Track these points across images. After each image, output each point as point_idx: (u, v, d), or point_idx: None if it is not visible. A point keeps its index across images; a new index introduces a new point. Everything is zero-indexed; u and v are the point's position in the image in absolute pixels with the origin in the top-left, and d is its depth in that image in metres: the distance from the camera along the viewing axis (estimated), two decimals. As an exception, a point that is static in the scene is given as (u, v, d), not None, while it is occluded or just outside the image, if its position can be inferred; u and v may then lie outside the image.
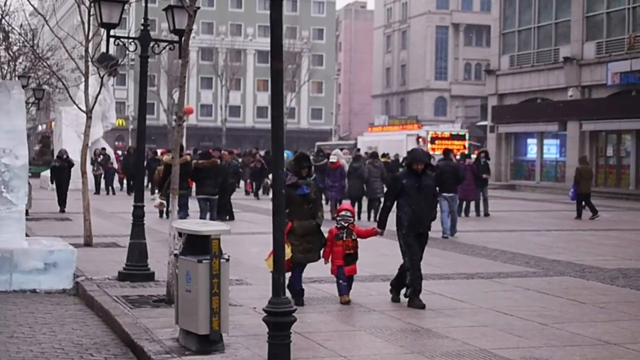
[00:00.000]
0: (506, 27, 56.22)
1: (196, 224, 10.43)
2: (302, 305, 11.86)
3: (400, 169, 24.83)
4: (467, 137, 63.19)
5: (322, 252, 12.49)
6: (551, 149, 52.37)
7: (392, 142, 59.85)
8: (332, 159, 28.26)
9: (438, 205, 13.96)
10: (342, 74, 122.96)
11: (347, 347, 9.87)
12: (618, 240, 21.30)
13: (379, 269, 15.47)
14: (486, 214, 29.37)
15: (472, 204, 29.04)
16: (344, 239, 12.40)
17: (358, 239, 12.60)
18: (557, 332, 10.64)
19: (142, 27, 15.30)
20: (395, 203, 12.58)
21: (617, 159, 46.86)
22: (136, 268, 14.53)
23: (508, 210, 33.38)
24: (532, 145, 53.80)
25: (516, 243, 20.93)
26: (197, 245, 9.50)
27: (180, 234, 9.98)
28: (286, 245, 10.70)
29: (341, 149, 38.06)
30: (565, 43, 50.00)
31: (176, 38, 14.87)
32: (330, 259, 12.54)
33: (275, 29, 8.30)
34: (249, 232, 22.55)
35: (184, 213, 21.96)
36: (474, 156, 35.29)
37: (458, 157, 30.95)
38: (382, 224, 12.53)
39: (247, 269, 15.36)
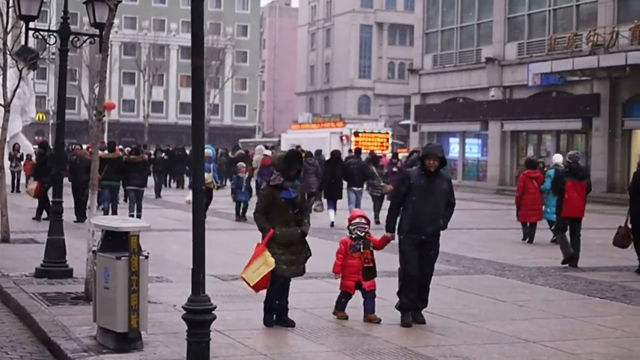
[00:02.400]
0: (429, 27, 56.65)
1: (115, 220, 10.28)
2: (293, 326, 10.68)
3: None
4: (390, 135, 63.51)
5: (304, 264, 10.85)
6: (473, 149, 52.92)
7: (316, 140, 59.87)
8: (266, 153, 27.50)
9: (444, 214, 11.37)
10: (267, 71, 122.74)
11: (269, 345, 9.83)
12: (537, 239, 21.52)
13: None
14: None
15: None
16: (362, 250, 11.03)
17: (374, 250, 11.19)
18: (477, 330, 10.71)
19: (62, 20, 15.03)
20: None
21: (538, 159, 47.45)
22: (54, 264, 14.28)
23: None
24: (454, 144, 54.29)
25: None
26: (116, 242, 9.36)
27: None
28: (267, 255, 10.34)
29: (267, 147, 37.87)
30: (487, 44, 50.57)
31: (97, 32, 14.64)
32: (341, 274, 11.18)
33: (196, 24, 8.17)
34: (170, 229, 22.36)
35: (114, 203, 24.42)
36: (402, 155, 35.43)
37: (389, 157, 31.26)
38: (390, 227, 11.12)
39: (169, 267, 15.19)
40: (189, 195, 23.52)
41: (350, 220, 11.32)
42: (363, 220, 11.14)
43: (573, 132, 45.30)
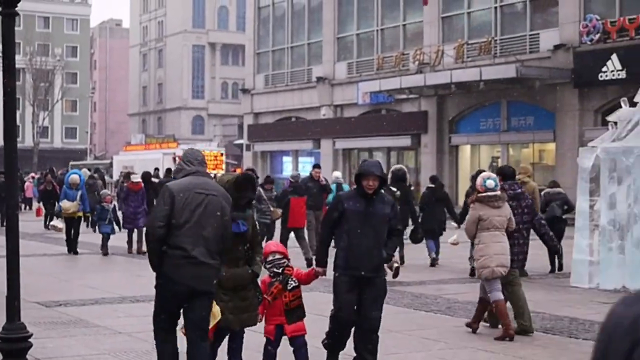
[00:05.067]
0: (260, 47, 56.97)
1: None
2: None
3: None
4: (223, 155, 63.38)
5: (256, 310, 8.82)
6: (306, 167, 53.31)
7: (149, 161, 59.08)
8: (134, 178, 23.84)
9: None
10: (98, 93, 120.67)
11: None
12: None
13: (128, 291, 15.16)
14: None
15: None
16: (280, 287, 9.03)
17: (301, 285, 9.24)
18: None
19: None
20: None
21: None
22: None
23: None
24: (287, 163, 54.68)
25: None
26: None
27: None
28: (212, 304, 8.11)
29: (91, 169, 37.17)
30: (317, 63, 51.21)
31: None
32: (264, 317, 9.06)
33: (7, 45, 7.93)
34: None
35: None
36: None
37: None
38: (321, 260, 9.28)
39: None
40: (54, 221, 23.40)
41: (264, 258, 9.05)
42: (277, 255, 9.09)
43: (403, 148, 46.32)
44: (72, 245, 22.45)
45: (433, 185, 20.91)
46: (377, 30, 47.39)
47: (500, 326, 11.52)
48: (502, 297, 11.33)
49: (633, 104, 16.87)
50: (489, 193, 11.40)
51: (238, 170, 50.63)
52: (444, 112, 43.08)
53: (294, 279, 9.04)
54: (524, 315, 11.62)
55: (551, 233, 15.33)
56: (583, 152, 17.13)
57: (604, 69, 34.77)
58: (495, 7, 40.83)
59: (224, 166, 59.79)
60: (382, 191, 9.28)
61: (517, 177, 18.40)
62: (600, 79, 35.06)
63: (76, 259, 21.77)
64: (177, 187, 7.79)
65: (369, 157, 48.36)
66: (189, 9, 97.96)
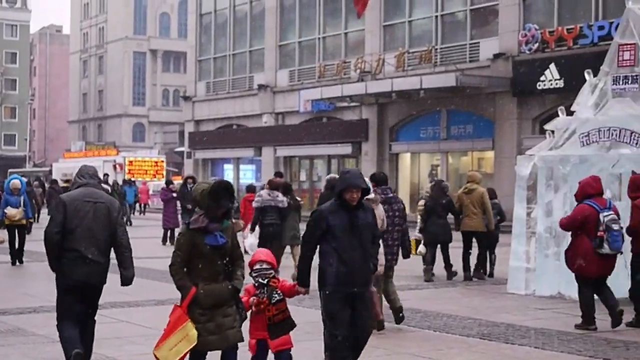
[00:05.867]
0: (202, 54, 56.85)
1: None
2: None
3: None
4: (164, 162, 63.14)
5: (239, 328, 8.26)
6: (247, 174, 53.34)
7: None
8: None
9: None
10: (37, 99, 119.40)
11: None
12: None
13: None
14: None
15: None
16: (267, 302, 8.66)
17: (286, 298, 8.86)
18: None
19: None
20: (318, 250, 8.76)
21: (310, 184, 48.39)
22: None
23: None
24: (228, 170, 54.59)
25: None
26: None
27: None
28: (189, 327, 7.85)
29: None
30: (259, 71, 51.22)
31: None
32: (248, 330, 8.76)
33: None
34: None
35: None
36: (177, 182, 35.35)
37: (163, 183, 30.90)
38: (303, 279, 8.73)
39: None
40: None
41: (250, 265, 8.84)
42: (264, 265, 8.76)
43: (344, 156, 46.46)
44: (17, 255, 21.22)
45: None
46: (319, 38, 47.53)
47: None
48: (374, 288, 11.36)
49: (570, 113, 17.12)
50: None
51: (178, 178, 50.49)
52: (384, 120, 43.30)
53: (279, 291, 8.69)
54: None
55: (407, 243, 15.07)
56: (521, 160, 17.32)
57: (542, 78, 35.22)
58: (436, 16, 41.17)
59: (164, 173, 59.59)
60: (363, 200, 8.78)
61: (466, 184, 19.03)
62: (539, 88, 35.50)
63: (19, 268, 21.24)
64: (69, 198, 8.96)
65: (310, 164, 48.55)
66: (130, 16, 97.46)
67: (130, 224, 38.04)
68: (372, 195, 11.68)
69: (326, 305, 8.60)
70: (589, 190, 12.75)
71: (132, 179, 47.75)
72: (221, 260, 8.10)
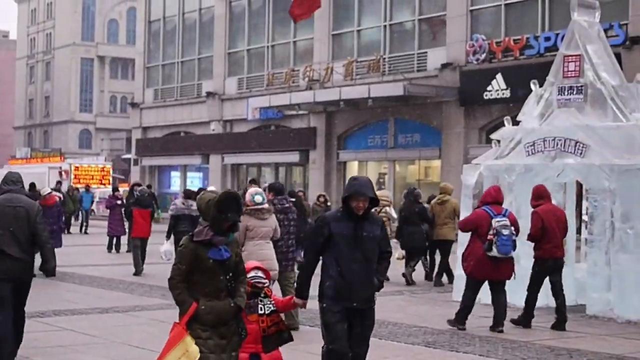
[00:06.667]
0: (150, 61, 56.59)
1: None
2: None
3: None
4: (110, 169, 62.66)
5: (237, 350, 7.72)
6: (194, 182, 53.08)
7: (34, 175, 57.80)
8: (44, 191, 21.84)
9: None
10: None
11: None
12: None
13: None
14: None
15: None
16: (261, 313, 8.25)
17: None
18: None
19: None
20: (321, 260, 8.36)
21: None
22: None
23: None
24: (175, 177, 54.36)
25: (159, 274, 19.94)
26: None
27: None
28: (188, 342, 7.32)
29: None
30: (208, 78, 51.08)
31: None
32: None
33: None
34: None
35: None
36: (123, 189, 35.14)
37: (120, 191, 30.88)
38: (302, 291, 8.33)
39: None
40: None
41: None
42: (259, 273, 8.37)
43: (291, 164, 46.44)
44: None
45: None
46: (268, 46, 47.50)
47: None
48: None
49: (516, 123, 17.28)
50: (257, 207, 12.64)
51: (125, 185, 50.12)
52: (332, 129, 43.35)
53: (272, 301, 8.31)
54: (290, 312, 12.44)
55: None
56: (467, 169, 17.44)
57: (489, 88, 35.47)
58: (385, 26, 41.31)
59: (110, 180, 59.13)
60: (372, 210, 8.33)
61: (438, 195, 19.59)
62: (486, 97, 35.75)
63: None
64: None
65: (258, 172, 48.47)
66: (78, 22, 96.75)
67: (87, 233, 37.59)
68: (265, 205, 12.75)
69: (325, 316, 8.19)
70: (488, 199, 13.70)
71: (89, 186, 47.18)
72: (224, 275, 7.52)
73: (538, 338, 12.81)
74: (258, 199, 12.77)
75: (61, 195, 28.38)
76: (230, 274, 7.56)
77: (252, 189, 13.62)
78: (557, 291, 13.97)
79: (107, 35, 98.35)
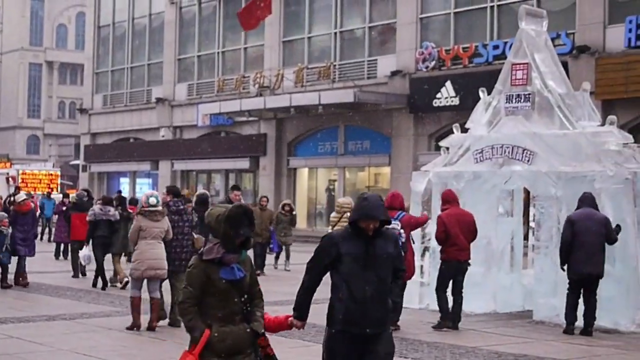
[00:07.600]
0: (99, 66, 56.26)
1: None
2: None
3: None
4: (59, 175, 62.02)
5: None
6: (143, 188, 52.75)
7: (-19, 181, 57.37)
8: (19, 197, 20.59)
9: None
10: None
11: None
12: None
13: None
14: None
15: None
16: None
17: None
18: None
19: None
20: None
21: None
22: None
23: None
24: (124, 184, 54.00)
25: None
26: None
27: None
28: None
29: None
30: (157, 84, 50.88)
31: None
32: None
33: None
34: None
35: None
36: (72, 195, 34.59)
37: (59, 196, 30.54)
38: (301, 311, 7.28)
39: None
40: None
41: None
42: None
43: (241, 171, 46.38)
44: None
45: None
46: (218, 53, 47.40)
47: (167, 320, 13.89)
48: (138, 294, 13.56)
49: (464, 130, 17.40)
50: (151, 208, 13.46)
51: (73, 192, 49.62)
52: (282, 135, 43.37)
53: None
54: (175, 309, 13.06)
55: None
56: (416, 176, 17.54)
57: (438, 95, 35.70)
58: (335, 33, 41.42)
59: (59, 185, 58.54)
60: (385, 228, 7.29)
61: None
62: (435, 105, 35.97)
63: None
64: None
65: (208, 178, 48.36)
66: (26, 26, 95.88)
67: (49, 240, 35.32)
68: (159, 208, 13.52)
69: (328, 344, 7.16)
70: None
71: (50, 192, 46.59)
72: (239, 297, 6.67)
73: (485, 344, 12.89)
74: (152, 201, 13.56)
75: (35, 202, 27.96)
76: (246, 296, 6.73)
77: (148, 191, 14.57)
78: (457, 291, 14.38)
79: (56, 40, 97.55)
